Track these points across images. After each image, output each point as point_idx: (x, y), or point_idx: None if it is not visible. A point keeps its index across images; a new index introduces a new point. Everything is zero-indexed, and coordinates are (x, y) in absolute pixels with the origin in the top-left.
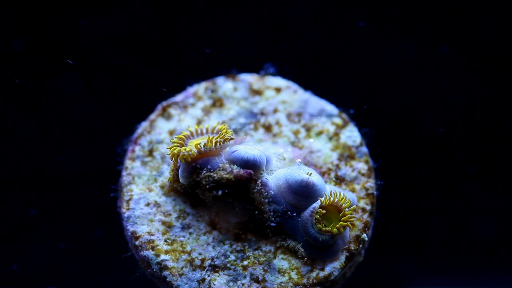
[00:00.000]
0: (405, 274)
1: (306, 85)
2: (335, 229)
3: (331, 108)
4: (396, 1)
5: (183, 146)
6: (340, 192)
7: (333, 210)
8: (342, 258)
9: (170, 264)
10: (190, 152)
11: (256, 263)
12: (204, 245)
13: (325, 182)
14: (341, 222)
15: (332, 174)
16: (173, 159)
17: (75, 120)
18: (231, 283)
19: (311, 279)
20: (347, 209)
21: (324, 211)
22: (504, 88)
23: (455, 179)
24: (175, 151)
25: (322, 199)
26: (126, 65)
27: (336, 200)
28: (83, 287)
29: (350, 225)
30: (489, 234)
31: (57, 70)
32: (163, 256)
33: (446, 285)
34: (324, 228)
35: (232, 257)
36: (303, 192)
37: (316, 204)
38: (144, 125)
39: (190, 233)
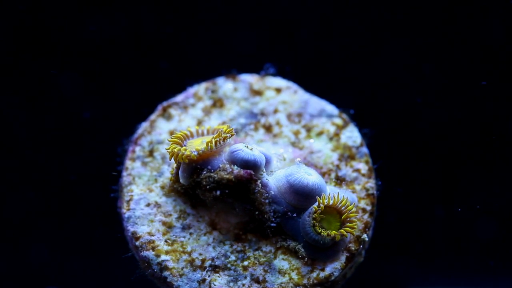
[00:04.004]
0: (405, 274)
1: (306, 85)
2: (337, 235)
3: (331, 108)
4: (397, 1)
5: (181, 145)
6: (339, 194)
7: (333, 212)
8: (343, 258)
9: (170, 264)
10: (190, 156)
11: (256, 263)
12: (204, 245)
13: (326, 182)
14: (346, 228)
15: (333, 175)
16: (174, 159)
17: (75, 120)
18: (231, 284)
19: (311, 279)
20: (350, 212)
21: (322, 216)
22: (504, 88)
23: (455, 179)
24: (175, 150)
25: (312, 209)
26: (126, 65)
27: (336, 202)
28: (83, 287)
29: (353, 233)
30: (489, 234)
31: (57, 70)
32: (163, 257)
33: (446, 285)
34: (323, 231)
35: (233, 258)
36: (304, 193)
37: (313, 207)
38: (145, 125)
39: (190, 234)
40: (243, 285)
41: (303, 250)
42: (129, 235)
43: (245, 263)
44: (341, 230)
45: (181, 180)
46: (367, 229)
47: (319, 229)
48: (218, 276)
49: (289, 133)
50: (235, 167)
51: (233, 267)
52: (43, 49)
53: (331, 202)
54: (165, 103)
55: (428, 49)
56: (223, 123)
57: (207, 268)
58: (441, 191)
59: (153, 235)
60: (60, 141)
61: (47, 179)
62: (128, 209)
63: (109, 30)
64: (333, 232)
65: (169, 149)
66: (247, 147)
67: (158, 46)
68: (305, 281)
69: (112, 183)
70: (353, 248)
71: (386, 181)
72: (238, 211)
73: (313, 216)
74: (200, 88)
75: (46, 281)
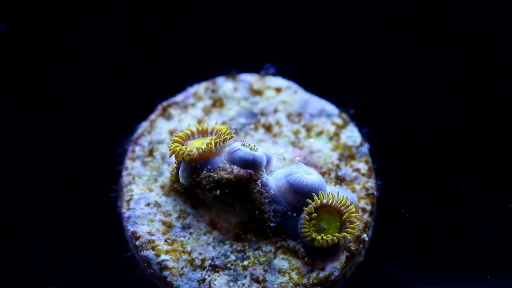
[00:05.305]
0: (405, 274)
1: (306, 85)
2: (341, 240)
3: (331, 108)
4: (397, 1)
5: (183, 144)
6: (339, 193)
7: (333, 212)
8: (343, 258)
9: (170, 264)
10: (190, 153)
11: (256, 263)
12: (204, 245)
13: (326, 182)
14: (348, 230)
15: (333, 174)
16: (174, 157)
17: (75, 120)
18: (231, 283)
19: (311, 279)
20: (351, 212)
21: (314, 214)
22: (504, 88)
23: (455, 179)
24: (177, 149)
25: (309, 206)
26: (126, 65)
27: (334, 202)
28: (83, 287)
29: (354, 233)
30: (489, 234)
31: (57, 70)
32: (163, 256)
33: (446, 285)
34: (320, 236)
35: (233, 257)
36: (303, 192)
37: (305, 212)
38: (145, 125)
39: (190, 233)
40: (243, 284)
41: (303, 249)
42: (129, 235)
43: (245, 262)
44: (344, 233)
45: (181, 180)
46: (367, 229)
47: (308, 232)
48: (218, 276)
49: (289, 133)
50: (235, 166)
51: (233, 267)
52: (43, 49)
53: (329, 201)
54: (165, 103)
55: (428, 48)
56: (223, 123)
57: (207, 268)
58: (441, 191)
59: (153, 235)
60: (60, 141)
61: (47, 179)
62: (128, 209)
63: (109, 29)
64: (335, 238)
65: (170, 147)
66: (249, 145)
67: (158, 46)
68: (305, 280)
69: (112, 182)
70: (353, 248)
71: (386, 181)
72: (238, 210)
73: (305, 217)
74: (200, 88)
75: (46, 281)
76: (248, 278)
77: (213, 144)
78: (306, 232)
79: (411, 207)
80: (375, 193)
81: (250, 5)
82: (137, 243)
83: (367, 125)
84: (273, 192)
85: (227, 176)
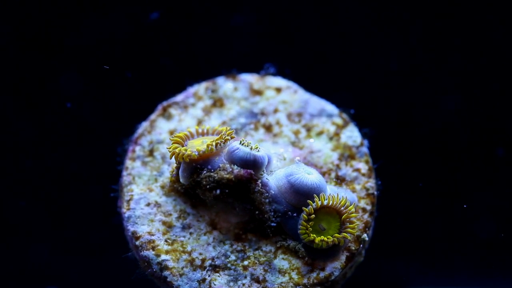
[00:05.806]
0: (405, 274)
1: (306, 85)
2: (341, 240)
3: (331, 108)
4: (397, 1)
5: (182, 145)
6: (338, 195)
7: (333, 212)
8: (343, 258)
9: (170, 264)
10: (191, 155)
11: (256, 263)
12: (204, 245)
13: (326, 182)
14: (347, 230)
15: (333, 174)
16: (175, 159)
17: (75, 120)
18: (231, 283)
19: (311, 279)
20: (350, 212)
21: (312, 215)
22: (504, 88)
23: (455, 179)
24: (176, 150)
25: (308, 207)
26: (126, 65)
27: (334, 203)
28: (83, 287)
29: (354, 233)
30: (489, 234)
31: (57, 70)
32: (163, 256)
33: (446, 285)
34: (319, 238)
35: (233, 257)
36: (304, 192)
37: (305, 212)
38: (145, 125)
39: (190, 233)
40: (243, 284)
41: (303, 249)
42: (129, 235)
43: (245, 262)
44: (344, 234)
45: (181, 180)
46: (367, 229)
47: (305, 233)
48: (218, 276)
49: (289, 133)
50: (235, 166)
51: (233, 267)
52: (43, 49)
53: (330, 202)
54: (165, 103)
55: (428, 48)
56: (223, 123)
57: (207, 268)
58: (441, 191)
59: (153, 235)
60: (60, 141)
61: (47, 179)
62: (128, 209)
63: (109, 29)
64: (335, 239)
65: (170, 148)
66: (248, 144)
67: (158, 46)
68: (305, 280)
69: (112, 182)
70: (353, 248)
71: (386, 181)
72: (238, 210)
73: (303, 216)
74: (200, 88)
75: (46, 281)
76: (248, 278)
77: (214, 145)
78: (303, 233)
79: (411, 207)
80: (375, 193)
81: (250, 5)
82: (137, 243)
83: (367, 125)
84: (273, 192)
85: (227, 176)
